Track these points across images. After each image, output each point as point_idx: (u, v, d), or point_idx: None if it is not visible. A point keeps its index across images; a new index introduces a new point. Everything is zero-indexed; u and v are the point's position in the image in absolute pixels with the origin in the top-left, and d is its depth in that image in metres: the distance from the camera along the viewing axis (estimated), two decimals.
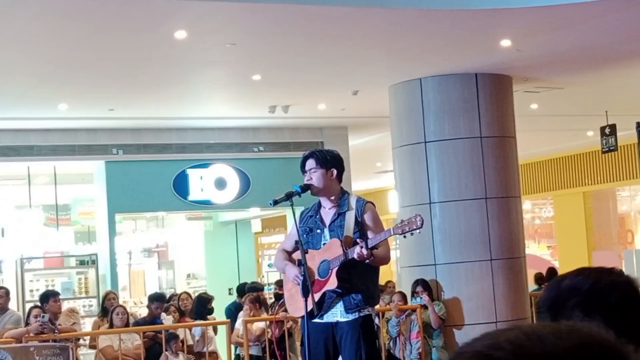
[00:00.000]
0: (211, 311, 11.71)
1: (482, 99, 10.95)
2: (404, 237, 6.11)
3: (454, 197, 10.77)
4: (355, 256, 5.85)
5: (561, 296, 1.98)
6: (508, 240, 10.86)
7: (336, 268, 6.03)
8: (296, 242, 6.19)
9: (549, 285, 2.09)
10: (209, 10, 8.13)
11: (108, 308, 11.29)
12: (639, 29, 9.50)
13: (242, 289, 13.27)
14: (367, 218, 6.19)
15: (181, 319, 11.42)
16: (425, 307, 10.44)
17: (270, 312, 11.24)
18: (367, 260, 5.88)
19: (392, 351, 10.61)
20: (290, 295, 6.48)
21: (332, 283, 6.06)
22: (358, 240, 5.93)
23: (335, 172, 6.30)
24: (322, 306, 6.12)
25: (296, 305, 6.38)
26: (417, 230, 5.93)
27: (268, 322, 10.58)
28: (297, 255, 6.36)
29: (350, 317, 6.10)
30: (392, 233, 5.99)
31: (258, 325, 10.77)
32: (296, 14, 8.44)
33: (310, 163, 6.30)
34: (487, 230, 10.71)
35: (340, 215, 6.24)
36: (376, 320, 9.93)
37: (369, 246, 5.86)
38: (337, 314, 6.15)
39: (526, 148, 13.63)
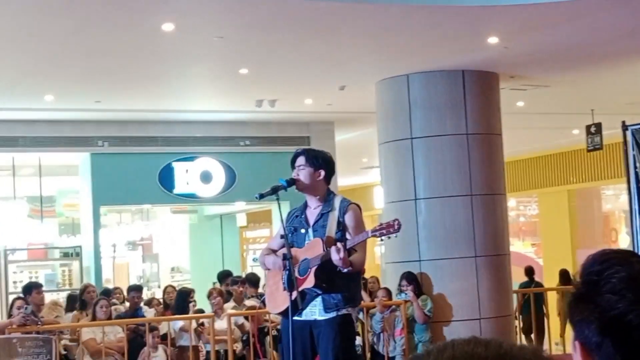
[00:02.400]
0: (193, 305, 11.68)
1: (469, 96, 10.96)
2: (381, 240, 6.14)
3: (440, 194, 10.78)
4: (334, 261, 5.86)
5: None
6: (493, 238, 10.88)
7: (315, 267, 6.03)
8: (282, 237, 6.19)
9: None
10: (197, 3, 8.11)
11: (87, 301, 11.25)
12: (626, 28, 9.53)
13: (223, 276, 13.31)
14: (348, 219, 6.19)
15: (165, 313, 11.40)
16: (411, 302, 10.44)
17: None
18: (345, 270, 5.90)
19: (375, 347, 10.62)
20: (271, 292, 6.49)
21: (310, 282, 6.07)
22: (338, 242, 5.93)
23: (323, 173, 6.30)
24: (303, 303, 6.13)
25: (275, 303, 6.39)
26: (394, 235, 5.96)
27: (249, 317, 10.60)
28: (282, 252, 6.37)
29: (328, 315, 6.11)
30: (369, 235, 6.00)
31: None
32: (284, 9, 8.44)
33: (300, 160, 6.31)
34: (472, 227, 10.73)
35: (323, 215, 6.26)
36: (360, 316, 9.96)
37: (348, 247, 5.87)
38: (315, 312, 6.15)
39: (512, 146, 13.65)
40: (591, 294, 1.67)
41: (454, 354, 1.02)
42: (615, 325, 1.62)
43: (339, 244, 5.86)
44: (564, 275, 15.44)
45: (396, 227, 5.89)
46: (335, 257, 5.82)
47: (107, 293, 12.12)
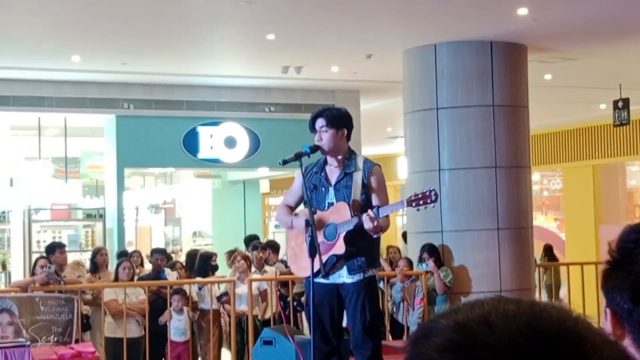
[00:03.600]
0: (215, 268, 11.74)
1: (496, 68, 10.89)
2: (418, 210, 6.07)
3: (464, 165, 10.75)
4: (366, 227, 5.85)
5: None
6: (516, 210, 10.84)
7: (344, 232, 6.02)
8: (305, 202, 6.18)
9: None
10: None
11: (99, 264, 11.29)
12: None
13: (249, 240, 13.35)
14: (374, 181, 6.16)
15: (190, 276, 11.42)
16: (431, 273, 10.45)
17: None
18: (375, 236, 5.90)
19: (395, 316, 10.64)
20: (294, 254, 6.47)
21: (340, 247, 6.06)
22: (370, 211, 5.89)
23: (345, 131, 6.28)
24: (326, 268, 6.14)
25: (299, 265, 6.38)
26: (432, 205, 5.90)
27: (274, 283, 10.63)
28: (300, 211, 6.38)
29: (355, 278, 6.12)
30: (405, 205, 5.96)
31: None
32: None
33: (320, 122, 6.27)
34: (496, 200, 10.69)
35: (346, 175, 6.21)
36: (380, 285, 9.97)
37: (381, 215, 5.85)
38: (342, 275, 6.16)
39: (538, 119, 13.57)
40: (625, 262, 1.67)
41: (486, 311, 1.00)
42: None
43: (370, 212, 5.83)
44: (548, 251, 15.47)
45: (433, 197, 5.84)
46: (368, 225, 5.81)
47: (125, 255, 12.16)
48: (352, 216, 5.98)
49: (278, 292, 10.63)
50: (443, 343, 0.98)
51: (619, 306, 1.65)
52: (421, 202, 5.87)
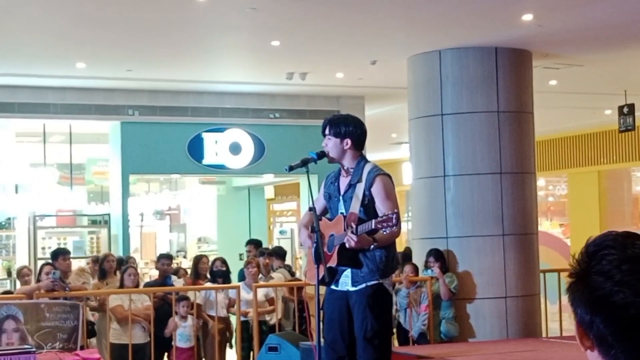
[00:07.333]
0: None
1: (501, 74, 10.88)
2: (384, 232, 5.87)
3: (469, 171, 10.74)
4: (348, 246, 5.84)
5: None
6: (521, 216, 10.82)
7: (338, 246, 6.02)
8: (310, 209, 6.17)
9: None
10: None
11: (107, 270, 11.27)
12: None
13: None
14: (374, 192, 6.09)
15: (196, 282, 11.41)
16: (436, 278, 10.43)
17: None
18: (371, 247, 5.86)
19: (402, 323, 10.62)
20: (309, 260, 6.47)
21: (333, 261, 6.06)
22: (352, 224, 5.90)
23: (349, 142, 6.19)
24: (334, 275, 6.13)
25: (312, 272, 6.37)
26: (394, 228, 5.73)
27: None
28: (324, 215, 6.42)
29: (358, 287, 6.08)
30: (373, 226, 5.81)
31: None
32: None
33: (327, 130, 6.27)
34: (501, 206, 10.68)
35: (352, 186, 6.19)
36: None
37: (359, 233, 5.81)
38: (348, 283, 6.14)
39: (543, 125, 13.55)
40: (582, 275, 1.72)
41: None
42: (602, 305, 1.66)
43: (349, 234, 5.81)
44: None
45: (394, 220, 5.69)
46: (350, 244, 5.81)
47: (121, 262, 12.13)
48: (344, 230, 5.96)
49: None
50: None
51: (581, 317, 1.69)
52: (384, 224, 5.75)
